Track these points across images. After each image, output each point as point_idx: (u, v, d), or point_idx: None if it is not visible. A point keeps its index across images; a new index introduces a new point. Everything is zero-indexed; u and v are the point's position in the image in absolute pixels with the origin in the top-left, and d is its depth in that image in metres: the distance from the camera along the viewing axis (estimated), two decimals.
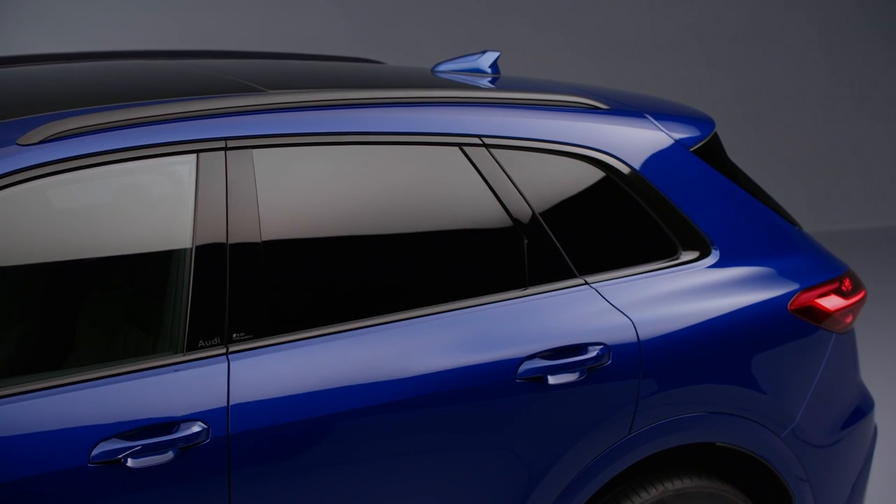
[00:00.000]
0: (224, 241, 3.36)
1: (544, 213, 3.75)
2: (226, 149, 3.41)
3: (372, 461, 3.45)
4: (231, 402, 3.30)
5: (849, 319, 4.18)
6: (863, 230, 11.31)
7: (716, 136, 4.20)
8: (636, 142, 3.95)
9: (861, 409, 4.30)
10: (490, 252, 3.69)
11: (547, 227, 3.74)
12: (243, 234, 3.38)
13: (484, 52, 4.39)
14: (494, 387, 3.58)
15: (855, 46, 11.70)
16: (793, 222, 4.25)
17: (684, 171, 4.00)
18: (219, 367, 3.31)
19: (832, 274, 4.15)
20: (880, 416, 4.81)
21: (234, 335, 3.35)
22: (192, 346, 3.31)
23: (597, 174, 3.87)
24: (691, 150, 4.04)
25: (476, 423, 3.56)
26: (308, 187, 3.51)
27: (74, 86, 3.82)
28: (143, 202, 3.40)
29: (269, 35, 9.73)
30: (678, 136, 4.03)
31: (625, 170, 3.89)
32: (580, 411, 3.69)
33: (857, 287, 4.23)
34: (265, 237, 3.41)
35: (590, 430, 3.71)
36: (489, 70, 4.34)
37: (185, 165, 3.38)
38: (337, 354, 3.43)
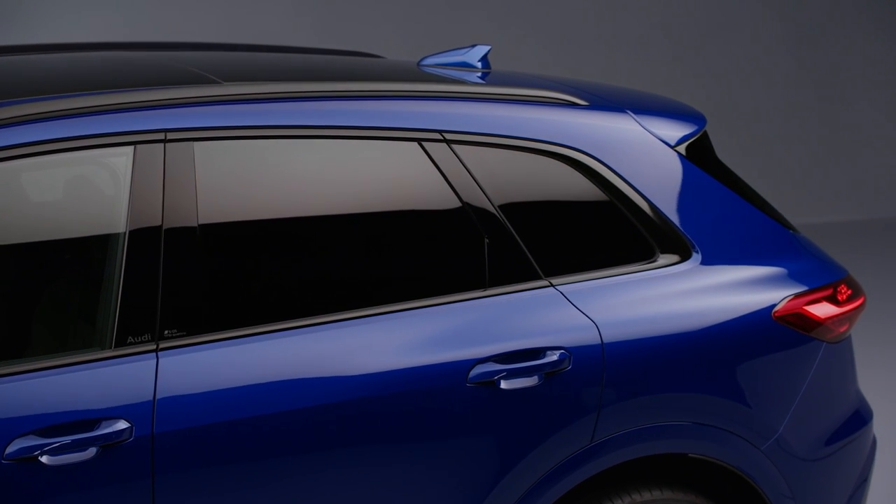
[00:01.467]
0: (159, 236, 3.29)
1: (509, 212, 3.62)
2: (165, 141, 3.33)
3: (308, 466, 3.35)
4: (157, 401, 3.22)
5: (843, 328, 3.99)
6: (831, 224, 11.03)
7: (705, 135, 4.03)
8: (613, 139, 3.80)
9: (857, 420, 4.11)
10: (448, 251, 3.57)
11: (510, 227, 3.61)
12: (180, 229, 3.30)
13: (474, 45, 4.27)
14: (443, 391, 3.47)
15: (820, 39, 11.53)
16: (788, 226, 4.07)
17: (665, 171, 3.84)
18: (147, 364, 3.24)
19: (826, 280, 3.97)
20: (880, 423, 4.57)
21: (166, 332, 3.27)
22: (120, 343, 3.24)
23: (568, 172, 3.73)
24: (676, 148, 3.88)
25: (423, 427, 3.45)
26: (253, 182, 3.42)
27: (23, 76, 3.77)
28: (77, 194, 3.34)
29: (228, 32, 9.65)
30: (662, 133, 3.88)
31: (599, 168, 3.75)
32: (537, 418, 3.56)
33: (855, 294, 4.04)
34: (204, 233, 3.33)
35: (548, 437, 3.58)
36: (479, 64, 4.21)
37: (121, 157, 3.31)
38: (276, 353, 3.34)
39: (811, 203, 11.23)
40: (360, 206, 3.50)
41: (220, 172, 3.38)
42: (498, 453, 3.53)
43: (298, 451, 3.33)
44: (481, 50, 4.23)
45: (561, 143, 3.73)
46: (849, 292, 4.01)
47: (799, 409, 3.89)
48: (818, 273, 3.97)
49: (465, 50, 4.24)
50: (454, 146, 3.61)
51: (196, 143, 3.36)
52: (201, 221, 3.32)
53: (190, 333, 3.29)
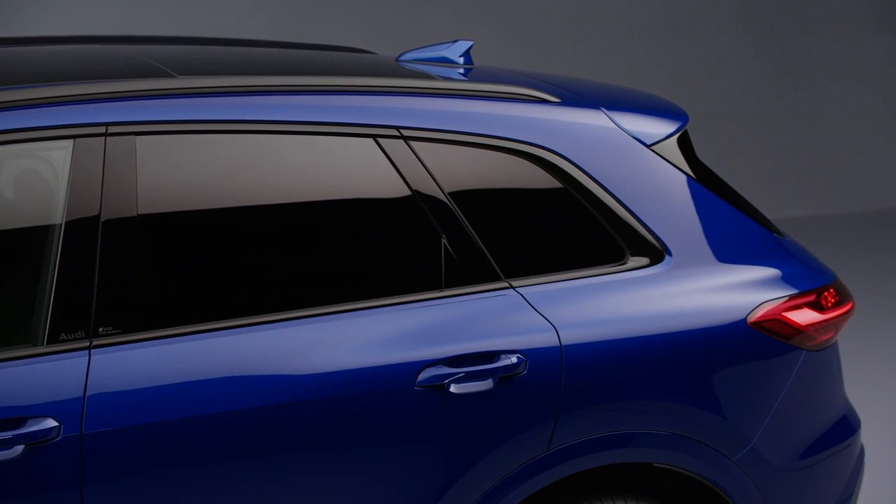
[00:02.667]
0: (96, 232, 3.22)
1: (469, 212, 3.52)
2: (106, 135, 3.27)
3: (246, 470, 3.27)
4: (87, 400, 3.16)
5: (826, 336, 3.84)
6: (793, 218, 10.82)
7: (685, 133, 3.89)
8: (583, 137, 3.68)
9: (843, 429, 3.95)
10: (403, 251, 3.48)
11: (469, 227, 3.51)
12: (118, 225, 3.24)
13: (455, 41, 4.17)
14: (390, 394, 3.37)
15: (780, 32, 11.41)
16: (773, 229, 3.93)
17: (639, 170, 3.72)
18: (78, 362, 3.18)
19: (810, 285, 3.82)
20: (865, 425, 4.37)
21: (101, 329, 3.21)
22: (53, 339, 3.18)
23: (534, 171, 3.62)
24: (652, 147, 3.76)
25: (369, 432, 3.35)
26: (199, 178, 3.34)
27: None
28: (15, 188, 3.29)
29: (184, 28, 9.56)
30: (637, 131, 3.76)
31: (567, 167, 3.64)
32: (490, 423, 3.45)
33: (842, 299, 3.89)
34: (144, 229, 3.26)
35: (501, 444, 3.47)
36: (460, 60, 4.11)
37: (60, 151, 3.25)
38: (216, 352, 3.27)
39: (777, 197, 11.05)
40: (311, 204, 3.42)
41: (163, 167, 3.31)
42: (448, 460, 3.43)
43: (236, 454, 3.25)
44: (463, 45, 4.13)
45: (527, 140, 3.62)
46: (836, 298, 3.86)
47: (776, 419, 3.75)
48: (802, 278, 3.83)
49: (447, 45, 4.14)
50: (412, 143, 3.51)
51: (138, 138, 3.29)
52: (141, 218, 3.25)
53: (126, 331, 3.23)
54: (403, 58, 4.11)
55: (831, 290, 3.87)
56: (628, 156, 3.72)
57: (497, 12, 10.52)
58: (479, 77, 3.90)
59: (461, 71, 3.99)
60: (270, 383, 3.28)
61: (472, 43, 4.15)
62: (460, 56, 4.11)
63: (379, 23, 10.16)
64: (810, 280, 3.84)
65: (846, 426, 3.98)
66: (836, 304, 3.86)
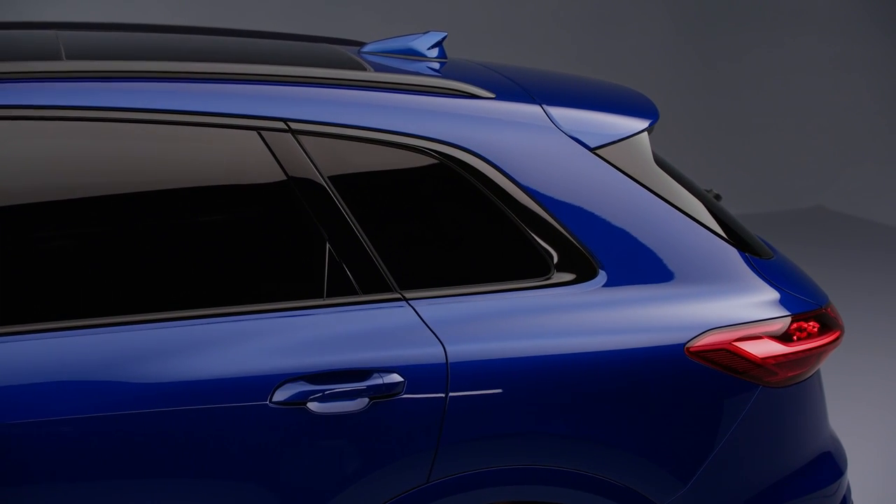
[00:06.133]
0: None
1: (364, 216, 3.20)
2: None
3: (69, 486, 3.02)
4: None
5: (794, 372, 3.35)
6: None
7: (643, 135, 3.46)
8: (510, 137, 3.31)
9: (821, 472, 3.45)
10: (282, 255, 3.18)
11: (362, 232, 3.19)
12: None
13: (427, 31, 3.84)
14: (242, 411, 3.08)
15: (708, 31, 11.25)
16: (749, 248, 3.46)
17: (573, 176, 3.32)
18: None
19: (776, 313, 3.34)
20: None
21: None
22: None
23: (448, 173, 3.27)
24: (597, 150, 3.36)
25: (215, 453, 3.06)
26: (55, 168, 3.12)
27: None
28: None
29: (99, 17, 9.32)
30: (581, 132, 3.36)
31: (487, 170, 3.27)
32: (360, 449, 3.12)
33: (825, 329, 3.39)
34: None
35: (371, 472, 3.13)
36: (431, 53, 3.78)
37: None
38: (49, 354, 3.04)
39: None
40: (179, 200, 3.15)
41: (16, 155, 3.11)
42: (306, 488, 3.11)
43: (62, 468, 3.01)
44: (434, 37, 3.80)
45: (439, 138, 3.28)
46: (814, 328, 3.37)
47: (719, 462, 3.29)
48: (770, 303, 3.36)
49: (416, 36, 3.82)
50: (301, 137, 3.21)
51: None
52: None
53: None
54: (366, 49, 3.81)
55: (811, 320, 3.38)
56: (562, 159, 3.33)
57: (422, 12, 10.20)
58: (412, 69, 3.55)
59: (422, 64, 3.66)
60: (108, 391, 3.03)
61: (444, 34, 3.82)
62: (430, 48, 3.78)
63: (300, 24, 9.90)
64: (781, 306, 3.36)
65: (827, 469, 3.48)
66: (813, 335, 3.37)
